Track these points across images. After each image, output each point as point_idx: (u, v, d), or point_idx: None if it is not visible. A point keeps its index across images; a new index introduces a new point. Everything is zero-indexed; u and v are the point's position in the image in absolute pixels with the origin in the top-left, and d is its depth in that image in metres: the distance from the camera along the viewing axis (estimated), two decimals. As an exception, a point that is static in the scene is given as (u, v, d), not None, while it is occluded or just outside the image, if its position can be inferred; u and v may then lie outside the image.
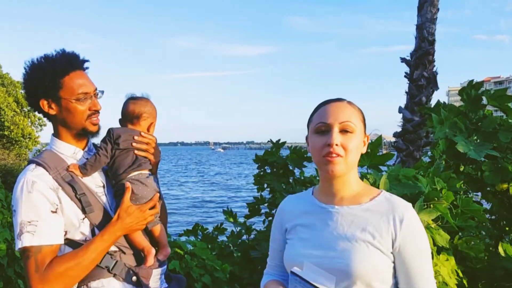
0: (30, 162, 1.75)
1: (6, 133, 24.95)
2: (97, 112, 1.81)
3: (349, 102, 1.50)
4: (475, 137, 2.70)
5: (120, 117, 1.96)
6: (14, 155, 23.98)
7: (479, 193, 2.83)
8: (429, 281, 1.40)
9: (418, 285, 1.38)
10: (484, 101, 2.89)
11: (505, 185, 2.64)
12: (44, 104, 1.75)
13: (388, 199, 1.46)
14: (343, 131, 1.43)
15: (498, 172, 2.62)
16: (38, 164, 1.71)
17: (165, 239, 1.93)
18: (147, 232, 1.89)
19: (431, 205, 2.22)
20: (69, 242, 1.70)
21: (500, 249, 2.45)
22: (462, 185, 2.48)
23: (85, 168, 1.76)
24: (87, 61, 1.84)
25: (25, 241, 1.59)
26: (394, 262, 1.39)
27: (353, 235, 1.40)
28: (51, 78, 1.72)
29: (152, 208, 1.84)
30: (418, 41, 6.45)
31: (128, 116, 1.91)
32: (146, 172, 1.86)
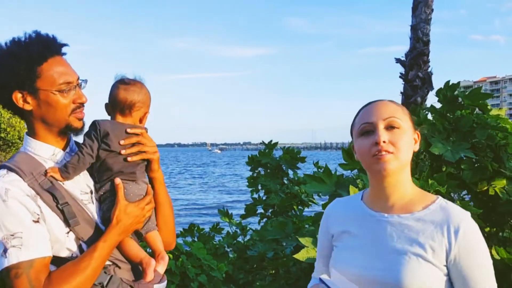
0: (1, 167, 1.47)
1: (2, 135, 24.80)
2: (82, 105, 1.55)
3: (391, 100, 1.43)
4: (453, 138, 2.72)
5: (106, 102, 1.66)
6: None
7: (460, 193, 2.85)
8: None
9: None
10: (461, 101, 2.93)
11: (485, 184, 2.65)
12: (17, 97, 1.46)
13: (443, 207, 1.35)
14: (389, 127, 1.36)
15: (477, 171, 2.62)
16: (10, 169, 1.44)
17: (161, 245, 1.67)
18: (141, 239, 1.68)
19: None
20: (54, 260, 1.44)
21: (494, 252, 2.45)
22: (446, 185, 2.48)
23: (66, 170, 1.49)
24: (66, 44, 1.55)
25: (12, 257, 1.33)
26: (449, 275, 1.30)
27: (403, 247, 1.32)
28: (26, 65, 1.44)
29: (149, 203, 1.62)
30: (412, 42, 6.47)
31: (119, 105, 1.61)
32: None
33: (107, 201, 1.57)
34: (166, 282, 1.62)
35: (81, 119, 1.55)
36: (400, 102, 6.60)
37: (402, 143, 1.35)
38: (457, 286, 1.30)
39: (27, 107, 1.49)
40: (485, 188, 2.64)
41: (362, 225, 1.44)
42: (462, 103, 2.89)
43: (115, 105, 1.62)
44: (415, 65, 6.31)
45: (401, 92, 6.67)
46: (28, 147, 1.54)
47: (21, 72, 1.44)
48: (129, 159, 1.56)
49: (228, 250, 4.43)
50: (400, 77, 6.57)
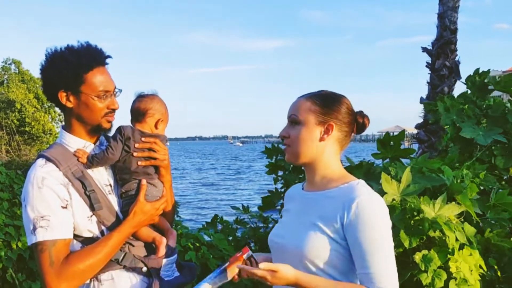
0: (40, 156, 1.73)
1: (27, 129, 25.40)
2: (113, 110, 1.80)
3: (308, 96, 1.59)
4: (485, 123, 2.72)
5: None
6: (36, 151, 24.44)
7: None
8: (380, 268, 1.38)
9: (370, 270, 1.39)
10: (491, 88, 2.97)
11: None
12: (62, 95, 1.73)
13: (353, 186, 1.48)
14: (291, 123, 1.59)
15: (510, 156, 2.61)
16: (48, 159, 1.70)
17: (166, 223, 1.92)
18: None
19: (455, 198, 2.17)
20: (77, 239, 1.70)
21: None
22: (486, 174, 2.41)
23: (91, 161, 1.74)
24: (110, 57, 1.82)
25: (39, 235, 1.59)
26: (349, 247, 1.43)
27: (310, 219, 1.50)
28: (74, 71, 1.69)
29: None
30: (439, 30, 6.28)
31: (135, 114, 1.88)
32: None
33: (128, 197, 1.78)
34: (176, 255, 1.86)
35: (110, 122, 1.80)
36: (426, 92, 6.44)
37: (298, 136, 1.54)
38: (353, 256, 1.42)
39: (69, 105, 1.74)
40: None
41: (294, 202, 1.66)
42: (493, 89, 2.90)
43: (132, 115, 1.88)
44: (442, 54, 6.12)
45: (427, 82, 6.49)
46: (63, 139, 1.79)
47: (69, 75, 1.69)
48: (139, 163, 1.79)
49: (250, 241, 4.38)
50: (426, 66, 6.38)
